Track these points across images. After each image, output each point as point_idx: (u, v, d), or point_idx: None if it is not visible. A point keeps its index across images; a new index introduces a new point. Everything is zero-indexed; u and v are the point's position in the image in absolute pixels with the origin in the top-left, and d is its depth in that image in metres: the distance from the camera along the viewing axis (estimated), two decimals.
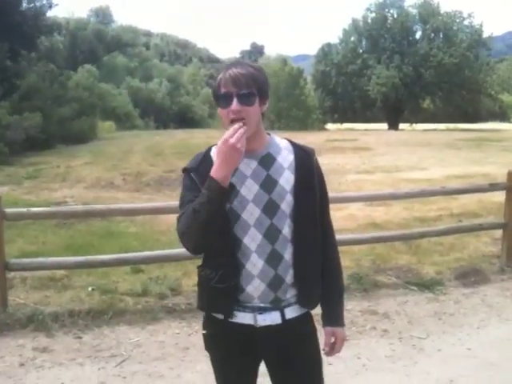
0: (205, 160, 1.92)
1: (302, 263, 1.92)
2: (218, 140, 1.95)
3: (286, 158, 1.93)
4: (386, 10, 53.23)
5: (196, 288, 2.06)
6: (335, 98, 51.45)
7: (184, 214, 1.84)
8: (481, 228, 6.61)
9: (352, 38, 54.03)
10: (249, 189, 1.87)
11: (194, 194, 1.83)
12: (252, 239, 1.87)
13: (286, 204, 1.89)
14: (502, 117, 62.35)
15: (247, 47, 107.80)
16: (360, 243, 6.13)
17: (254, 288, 1.88)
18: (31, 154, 19.54)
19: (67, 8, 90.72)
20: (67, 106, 26.68)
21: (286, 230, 1.90)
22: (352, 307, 4.92)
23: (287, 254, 1.90)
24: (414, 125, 51.60)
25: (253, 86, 1.82)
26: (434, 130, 41.73)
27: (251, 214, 1.87)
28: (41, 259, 5.10)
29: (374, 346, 4.18)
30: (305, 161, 1.95)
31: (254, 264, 1.87)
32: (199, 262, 2.02)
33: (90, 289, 5.22)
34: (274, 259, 1.88)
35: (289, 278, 1.91)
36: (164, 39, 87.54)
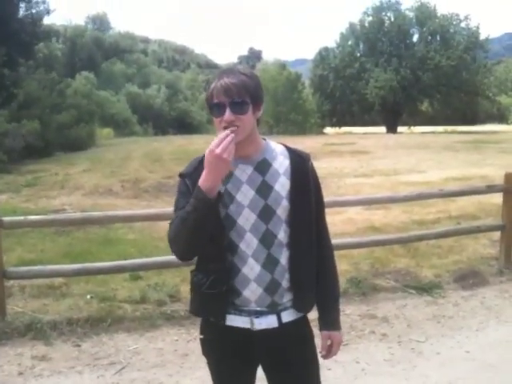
0: (201, 166, 1.92)
1: (298, 268, 1.93)
2: None
3: (281, 163, 1.93)
4: (383, 13, 53.33)
5: None
6: (333, 101, 51.49)
7: (174, 221, 1.85)
8: (479, 230, 6.62)
9: (349, 42, 54.11)
10: (244, 194, 1.88)
11: (187, 201, 1.83)
12: (248, 244, 1.88)
13: (282, 209, 1.90)
14: (499, 119, 62.38)
15: (245, 52, 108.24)
16: (359, 247, 6.12)
17: (251, 292, 1.89)
18: (30, 162, 19.54)
19: (64, 16, 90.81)
20: (65, 114, 26.68)
21: (282, 234, 1.91)
22: (351, 311, 4.92)
23: (283, 259, 1.91)
24: (412, 128, 51.70)
25: (245, 94, 1.82)
26: (432, 132, 41.73)
27: (247, 219, 1.88)
28: (39, 267, 5.09)
29: (372, 350, 4.18)
30: (300, 166, 1.95)
31: (251, 268, 1.88)
32: None
33: (88, 296, 5.21)
34: (270, 264, 1.89)
35: (285, 282, 1.92)
36: (162, 45, 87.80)
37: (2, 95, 22.22)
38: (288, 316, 1.94)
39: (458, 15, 51.94)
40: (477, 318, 4.80)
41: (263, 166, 1.91)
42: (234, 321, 1.92)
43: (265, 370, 2.03)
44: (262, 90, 1.93)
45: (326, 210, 2.10)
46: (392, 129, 48.35)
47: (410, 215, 8.93)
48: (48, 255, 6.67)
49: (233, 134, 1.76)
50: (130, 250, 6.78)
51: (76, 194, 12.26)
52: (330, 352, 2.07)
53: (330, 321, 2.06)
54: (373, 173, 15.22)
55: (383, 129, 49.91)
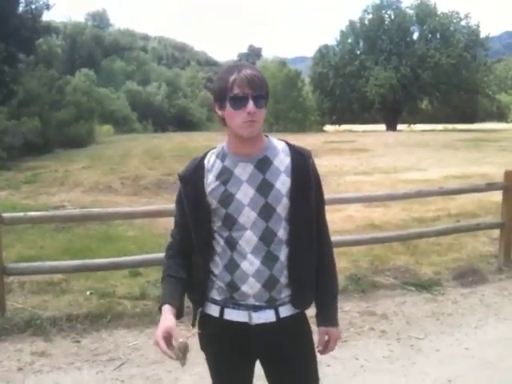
0: (198, 169, 1.94)
1: (297, 265, 1.93)
2: (217, 143, 2.01)
3: (282, 160, 1.93)
4: (383, 11, 53.31)
5: None
6: (333, 99, 51.50)
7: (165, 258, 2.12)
8: (478, 228, 6.61)
9: (349, 40, 54.11)
10: (245, 193, 1.88)
11: (180, 207, 1.98)
12: (248, 241, 1.89)
13: (282, 207, 1.90)
14: (499, 117, 62.38)
15: (245, 50, 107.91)
16: (358, 244, 6.13)
17: (250, 287, 1.89)
18: (29, 159, 19.54)
19: (64, 13, 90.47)
20: (65, 111, 26.71)
21: (281, 232, 1.91)
22: (350, 308, 4.92)
23: (282, 256, 1.91)
24: (411, 126, 51.70)
25: (264, 88, 1.85)
26: (432, 130, 41.76)
27: (248, 217, 1.88)
28: (38, 263, 5.09)
29: (372, 347, 4.18)
30: (301, 163, 1.95)
31: (250, 264, 1.88)
32: None
33: (88, 293, 5.22)
34: (269, 260, 1.89)
35: (283, 278, 1.92)
36: (162, 42, 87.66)
37: (2, 92, 22.21)
38: (286, 311, 1.94)
39: (458, 13, 52.03)
40: (476, 315, 4.81)
41: (264, 164, 1.90)
42: (232, 315, 1.93)
43: (263, 364, 2.04)
44: None
45: (326, 207, 2.09)
46: (392, 127, 48.37)
47: (410, 213, 8.93)
48: (48, 251, 6.67)
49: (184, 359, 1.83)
50: (129, 247, 6.78)
51: (76, 191, 12.26)
52: (326, 348, 2.07)
53: (328, 317, 2.06)
54: (373, 171, 15.22)
55: (383, 127, 49.93)
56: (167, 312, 1.89)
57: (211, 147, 2.01)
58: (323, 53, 53.81)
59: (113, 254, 5.61)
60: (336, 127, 52.18)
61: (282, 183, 1.90)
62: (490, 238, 7.01)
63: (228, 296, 1.93)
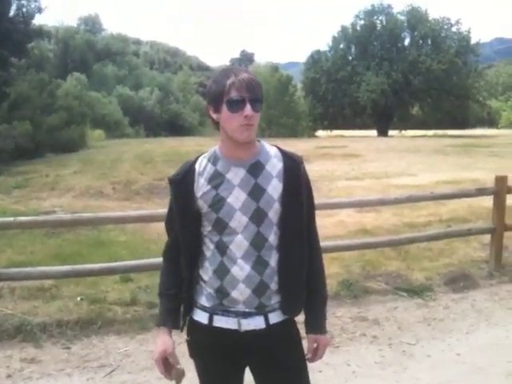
0: (189, 172, 1.94)
1: (287, 271, 1.92)
2: (208, 147, 2.01)
3: (275, 165, 1.93)
4: (375, 17, 53.66)
5: None
6: (325, 104, 51.70)
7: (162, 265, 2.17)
8: (469, 233, 6.64)
9: (341, 45, 54.40)
10: (236, 197, 1.87)
11: (172, 210, 2.00)
12: (238, 246, 1.88)
13: (274, 212, 1.89)
14: (490, 123, 62.91)
15: (237, 55, 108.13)
16: (350, 249, 6.12)
17: (240, 293, 1.88)
18: (20, 163, 19.44)
19: (56, 17, 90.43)
20: (56, 115, 26.55)
21: (272, 237, 1.90)
22: (342, 314, 4.92)
23: (273, 261, 1.91)
24: (403, 131, 51.93)
25: (260, 92, 1.86)
26: (423, 136, 41.96)
27: (239, 222, 1.87)
28: (29, 269, 5.05)
29: (363, 353, 4.18)
30: (293, 169, 1.94)
31: (240, 269, 1.87)
32: None
33: (78, 298, 5.18)
34: (259, 265, 1.88)
35: (273, 284, 1.91)
36: (154, 47, 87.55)
37: None
38: (275, 317, 1.93)
39: (449, 19, 52.49)
40: (467, 320, 4.82)
41: (256, 169, 1.90)
42: (221, 322, 1.92)
43: (252, 371, 2.02)
44: None
45: (318, 213, 2.09)
46: (383, 132, 48.60)
47: (401, 218, 8.95)
48: (38, 257, 6.63)
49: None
50: (121, 252, 6.75)
51: (67, 196, 12.21)
52: (315, 355, 2.06)
53: (317, 325, 2.05)
54: (364, 176, 15.25)
55: (374, 132, 50.14)
56: (164, 334, 2.02)
57: (203, 152, 2.01)
58: (315, 58, 54.03)
59: (104, 260, 5.58)
60: (328, 132, 52.35)
61: (274, 188, 1.89)
62: (480, 243, 7.03)
63: (217, 303, 1.92)
